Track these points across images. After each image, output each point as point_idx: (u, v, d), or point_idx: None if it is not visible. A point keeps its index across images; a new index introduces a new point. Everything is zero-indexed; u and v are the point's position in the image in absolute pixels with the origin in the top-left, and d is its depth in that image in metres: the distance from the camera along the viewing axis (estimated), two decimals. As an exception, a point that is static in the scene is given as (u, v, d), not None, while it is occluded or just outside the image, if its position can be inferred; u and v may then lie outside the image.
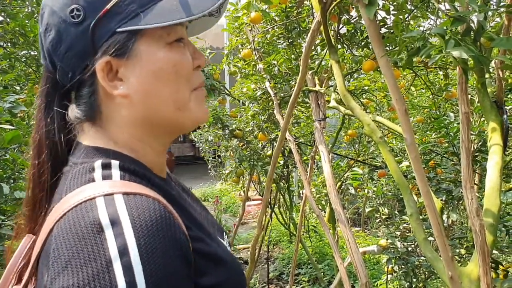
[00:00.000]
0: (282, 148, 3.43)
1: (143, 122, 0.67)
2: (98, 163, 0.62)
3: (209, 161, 8.33)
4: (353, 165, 4.03)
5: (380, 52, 1.05)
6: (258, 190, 4.14)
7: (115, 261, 0.50)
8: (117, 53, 0.63)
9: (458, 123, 3.17)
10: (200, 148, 7.77)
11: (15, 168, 1.68)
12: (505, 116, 1.71)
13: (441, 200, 2.99)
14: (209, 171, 8.33)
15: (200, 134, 7.12)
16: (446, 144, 3.18)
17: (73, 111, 0.68)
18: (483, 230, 1.15)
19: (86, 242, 0.51)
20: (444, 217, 2.93)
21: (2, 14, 2.45)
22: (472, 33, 0.91)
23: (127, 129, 0.67)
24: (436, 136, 3.33)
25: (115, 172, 0.61)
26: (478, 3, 0.84)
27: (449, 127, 3.01)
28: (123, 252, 0.50)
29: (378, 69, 1.98)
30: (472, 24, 1.00)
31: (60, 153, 0.69)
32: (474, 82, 1.67)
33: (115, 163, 0.62)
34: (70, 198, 0.57)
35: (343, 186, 4.36)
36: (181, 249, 0.55)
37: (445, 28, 0.90)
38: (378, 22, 1.26)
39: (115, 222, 0.52)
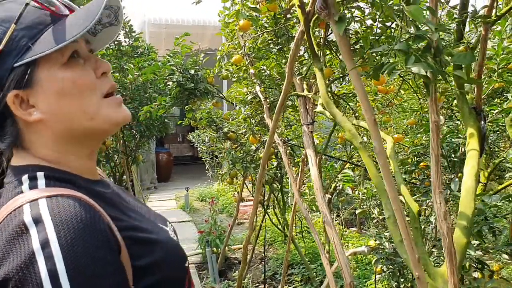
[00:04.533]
0: (275, 151, 3.50)
1: (64, 138, 0.75)
2: (25, 177, 0.70)
3: (207, 161, 8.38)
4: (344, 167, 4.10)
5: (350, 65, 1.11)
6: (252, 192, 4.21)
7: (38, 253, 0.58)
8: (20, 85, 0.70)
9: (448, 126, 3.23)
10: (198, 149, 7.80)
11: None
12: (482, 122, 1.78)
13: (430, 202, 3.04)
14: (207, 171, 8.38)
15: (198, 135, 7.17)
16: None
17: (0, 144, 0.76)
18: (450, 233, 1.22)
19: (14, 241, 0.60)
20: (432, 218, 2.99)
21: None
22: (432, 50, 0.97)
23: (51, 147, 0.74)
24: (426, 139, 3.38)
25: (41, 181, 0.69)
26: (435, 23, 0.91)
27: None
28: (45, 245, 0.59)
29: (363, 75, 2.04)
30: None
31: None
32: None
33: (40, 174, 0.70)
34: (2, 212, 0.65)
35: (339, 187, 4.43)
36: (103, 237, 0.63)
37: (407, 45, 0.97)
38: (349, 37, 1.32)
39: (38, 221, 0.61)
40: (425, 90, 2.73)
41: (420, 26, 0.95)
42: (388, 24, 1.40)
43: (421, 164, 3.28)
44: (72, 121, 0.74)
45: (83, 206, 0.65)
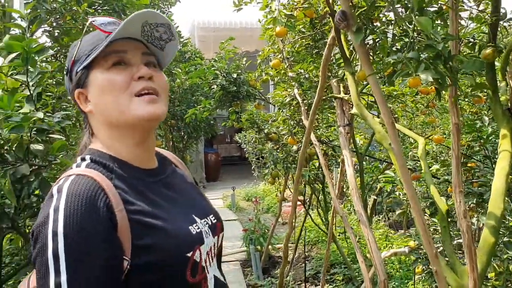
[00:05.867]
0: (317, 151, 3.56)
1: (108, 126, 0.95)
2: (79, 158, 0.94)
3: (253, 162, 8.51)
4: (388, 168, 4.09)
5: (368, 71, 1.19)
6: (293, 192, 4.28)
7: (50, 215, 0.80)
8: (80, 84, 0.95)
9: (492, 127, 3.18)
10: (245, 149, 7.93)
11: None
12: (517, 122, 1.78)
13: (472, 203, 3.02)
14: (253, 171, 8.53)
15: (245, 136, 7.31)
16: (478, 148, 3.20)
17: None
18: (470, 231, 1.26)
19: (45, 203, 0.84)
20: (474, 220, 2.96)
21: (57, 31, 2.76)
22: (443, 58, 1.04)
23: (103, 133, 0.97)
24: (470, 140, 3.33)
25: (84, 163, 0.92)
26: (442, 34, 0.97)
27: (481, 130, 3.03)
28: (55, 210, 0.80)
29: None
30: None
31: None
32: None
33: (88, 157, 0.93)
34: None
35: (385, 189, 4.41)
36: (98, 212, 0.82)
37: (418, 53, 1.04)
38: (368, 45, 1.39)
39: (59, 192, 0.83)
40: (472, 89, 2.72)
41: (430, 35, 1.01)
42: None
43: (471, 163, 3.23)
44: (108, 113, 0.93)
45: (92, 186, 0.84)
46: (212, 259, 1.00)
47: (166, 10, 5.62)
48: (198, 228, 0.97)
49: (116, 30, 0.90)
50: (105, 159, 0.93)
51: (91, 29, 0.99)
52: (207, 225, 1.01)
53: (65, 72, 1.00)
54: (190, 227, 0.95)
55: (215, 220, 1.05)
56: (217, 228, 1.05)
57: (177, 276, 0.89)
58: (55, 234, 0.78)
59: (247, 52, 3.71)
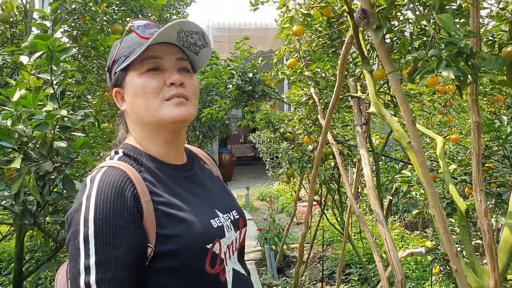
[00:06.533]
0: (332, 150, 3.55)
1: (139, 125, 1.04)
2: (113, 151, 1.03)
3: (267, 162, 8.51)
4: (404, 168, 4.06)
5: (388, 69, 1.19)
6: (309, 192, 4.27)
7: (83, 203, 0.88)
8: (118, 84, 1.04)
9: (512, 126, 3.14)
10: (259, 149, 7.94)
11: (86, 168, 1.96)
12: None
13: (490, 203, 2.99)
14: (267, 171, 8.54)
15: (259, 135, 7.32)
16: (496, 148, 3.16)
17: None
18: (491, 230, 1.25)
19: (79, 192, 0.92)
20: (493, 220, 2.92)
21: (76, 31, 2.80)
22: (464, 55, 1.03)
23: (134, 130, 1.05)
24: (486, 140, 3.29)
25: (117, 156, 1.00)
26: (464, 31, 0.97)
27: (499, 130, 2.99)
28: (88, 198, 0.88)
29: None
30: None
31: None
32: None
33: (121, 151, 1.02)
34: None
35: (401, 189, 4.38)
36: (125, 201, 0.89)
37: (439, 50, 1.03)
38: (387, 43, 1.39)
39: (92, 181, 0.91)
40: (490, 88, 2.69)
41: (451, 32, 1.01)
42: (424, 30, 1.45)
43: (489, 164, 3.20)
44: (140, 114, 1.01)
45: (122, 177, 0.91)
46: (233, 253, 1.06)
47: (181, 11, 5.65)
48: (220, 222, 1.02)
49: (152, 37, 0.96)
50: (137, 153, 1.01)
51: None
52: (229, 220, 1.06)
53: (106, 70, 1.10)
54: (211, 221, 1.01)
55: (238, 216, 1.10)
56: (239, 224, 1.10)
57: (196, 266, 0.95)
58: (86, 220, 0.86)
59: (261, 52, 3.71)
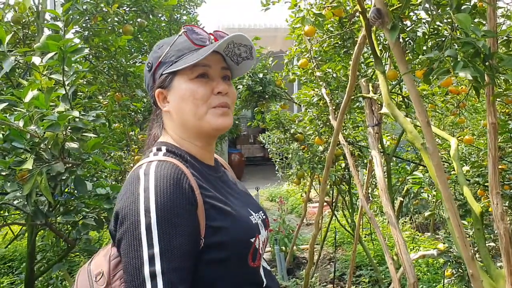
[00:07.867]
0: (343, 152, 3.53)
1: (182, 127, 1.07)
2: (155, 148, 1.05)
3: (277, 162, 8.50)
4: (416, 170, 4.03)
5: (403, 69, 1.17)
6: (319, 192, 4.25)
7: (141, 195, 0.89)
8: (163, 86, 1.07)
9: (527, 127, 3.10)
10: (268, 150, 7.93)
11: (97, 168, 1.96)
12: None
13: (505, 205, 2.95)
14: (277, 172, 8.52)
15: (269, 136, 7.31)
16: (510, 150, 3.12)
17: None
18: (508, 233, 1.23)
19: (130, 186, 0.93)
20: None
21: (87, 32, 2.80)
22: (482, 55, 1.01)
23: (175, 132, 1.09)
24: (502, 141, 3.25)
25: (161, 152, 1.03)
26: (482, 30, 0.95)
27: (514, 131, 2.95)
28: (146, 190, 0.90)
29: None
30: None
31: None
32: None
33: (164, 147, 1.05)
34: (135, 166, 1.00)
35: (412, 190, 4.34)
36: (184, 192, 0.92)
37: (456, 51, 1.01)
38: (402, 43, 1.37)
39: (146, 174, 0.93)
40: (505, 88, 2.66)
41: (468, 33, 0.99)
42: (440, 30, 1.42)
43: (502, 165, 3.17)
44: (186, 118, 1.05)
45: (176, 170, 0.94)
46: (262, 250, 1.09)
47: (192, 11, 5.66)
48: (255, 220, 1.08)
49: (212, 49, 1.00)
50: (179, 151, 1.05)
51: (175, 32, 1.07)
52: (260, 219, 1.12)
53: (147, 68, 1.11)
54: (250, 217, 1.07)
55: (264, 216, 1.16)
56: (266, 224, 1.16)
57: (241, 258, 0.99)
58: (147, 210, 0.88)
59: (271, 53, 3.70)
